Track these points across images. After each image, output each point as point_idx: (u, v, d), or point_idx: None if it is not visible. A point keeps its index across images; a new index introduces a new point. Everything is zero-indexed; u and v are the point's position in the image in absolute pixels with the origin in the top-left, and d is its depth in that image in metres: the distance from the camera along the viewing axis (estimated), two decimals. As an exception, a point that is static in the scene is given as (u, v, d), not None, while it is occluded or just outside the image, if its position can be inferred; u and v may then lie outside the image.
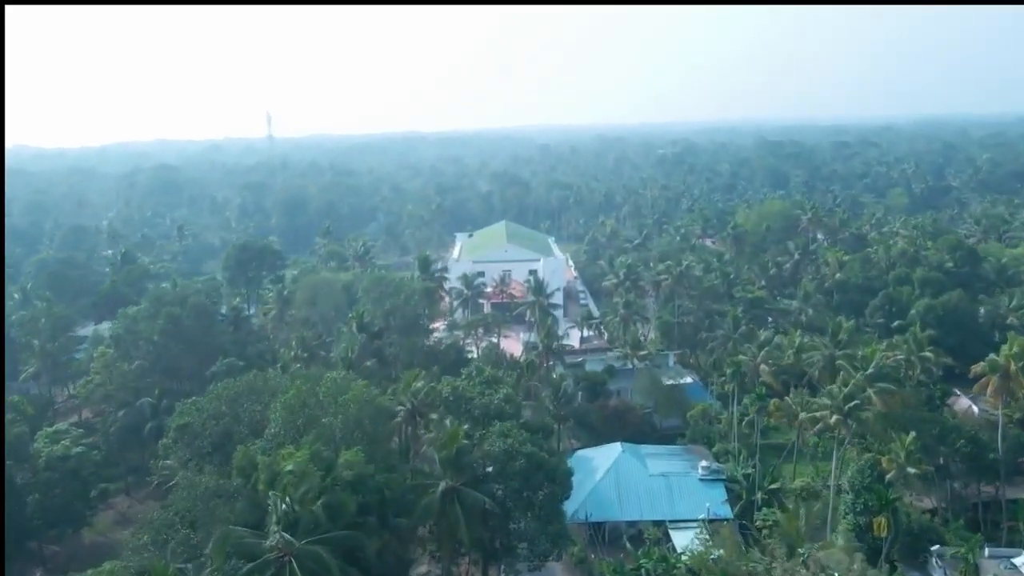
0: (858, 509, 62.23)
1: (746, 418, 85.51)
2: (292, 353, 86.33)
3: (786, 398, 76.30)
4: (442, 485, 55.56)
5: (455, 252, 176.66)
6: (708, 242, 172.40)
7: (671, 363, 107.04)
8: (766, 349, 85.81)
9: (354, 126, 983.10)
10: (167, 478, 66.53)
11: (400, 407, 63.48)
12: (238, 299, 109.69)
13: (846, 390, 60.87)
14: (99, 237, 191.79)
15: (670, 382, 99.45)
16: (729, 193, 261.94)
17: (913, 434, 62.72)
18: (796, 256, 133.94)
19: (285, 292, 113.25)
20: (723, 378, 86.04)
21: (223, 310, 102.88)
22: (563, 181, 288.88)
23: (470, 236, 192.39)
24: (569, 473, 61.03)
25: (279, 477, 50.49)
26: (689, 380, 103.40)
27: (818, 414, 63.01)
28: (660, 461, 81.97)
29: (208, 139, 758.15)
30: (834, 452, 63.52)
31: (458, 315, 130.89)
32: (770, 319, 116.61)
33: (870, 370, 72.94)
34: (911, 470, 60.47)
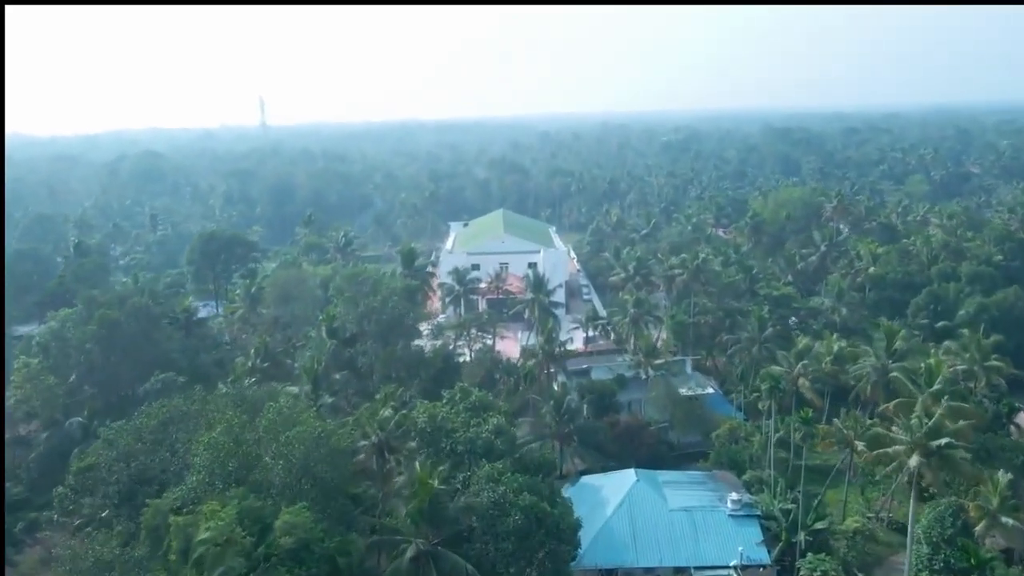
0: (936, 567, 49.95)
1: (777, 434, 73.05)
2: (250, 363, 73.75)
3: (835, 421, 63.59)
4: (412, 548, 43.11)
5: (448, 243, 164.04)
6: (720, 232, 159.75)
7: (688, 369, 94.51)
8: (804, 361, 72.95)
9: (352, 114, 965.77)
10: (90, 517, 54.17)
11: (364, 441, 50.83)
12: (191, 298, 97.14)
13: (929, 423, 48.06)
14: (67, 227, 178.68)
15: (688, 392, 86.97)
16: (739, 180, 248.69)
17: (1008, 475, 50.11)
18: (822, 248, 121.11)
19: (253, 289, 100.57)
20: (756, 394, 73.35)
21: (180, 310, 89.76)
22: (564, 168, 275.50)
23: (465, 226, 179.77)
24: (576, 526, 48.59)
25: (194, 547, 38.10)
26: (710, 391, 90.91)
27: (891, 451, 50.29)
28: (681, 492, 69.45)
29: (204, 127, 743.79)
30: (911, 500, 50.70)
31: (449, 313, 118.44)
32: (793, 319, 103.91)
33: (936, 387, 60.46)
34: (1007, 520, 47.89)
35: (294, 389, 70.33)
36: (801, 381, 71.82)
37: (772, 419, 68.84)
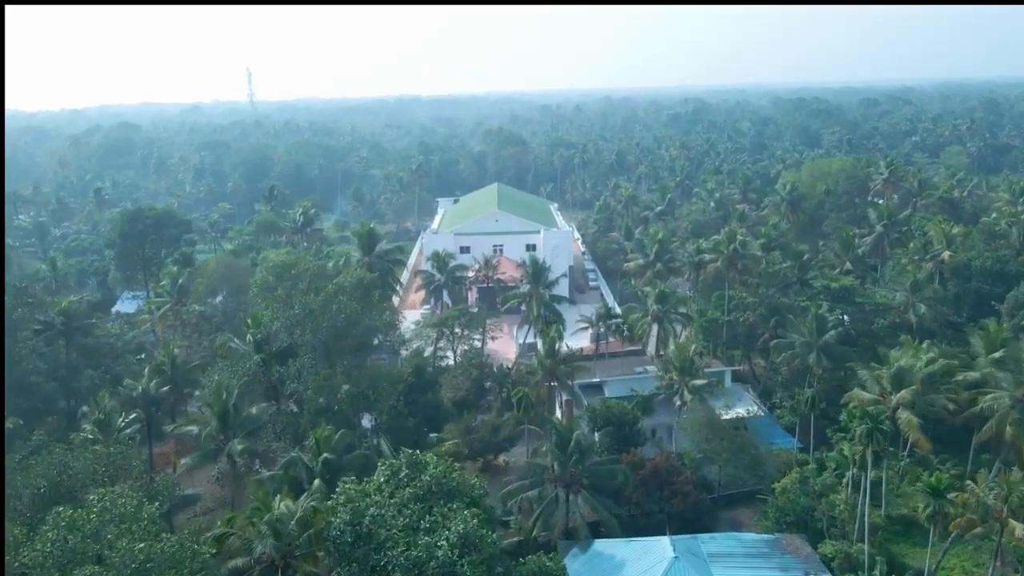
0: None
1: (843, 471, 53.27)
2: (140, 387, 53.58)
3: (971, 485, 43.40)
4: None
5: (435, 222, 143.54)
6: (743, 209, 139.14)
7: (728, 382, 74.37)
8: (913, 387, 52.56)
9: (347, 90, 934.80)
10: None
11: (242, 559, 30.68)
12: (80, 296, 77.00)
13: None
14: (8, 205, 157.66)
15: (731, 415, 66.86)
16: (759, 153, 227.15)
17: None
18: (878, 228, 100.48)
19: (181, 280, 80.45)
20: (842, 433, 53.14)
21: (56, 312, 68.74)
22: (567, 140, 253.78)
23: (455, 202, 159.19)
24: None
25: None
26: (759, 412, 70.94)
27: None
28: (738, 572, 49.71)
29: (196, 103, 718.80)
30: None
31: (431, 307, 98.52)
32: (843, 316, 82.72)
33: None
34: None
35: (192, 429, 50.39)
36: (905, 416, 51.55)
37: (867, 474, 48.59)
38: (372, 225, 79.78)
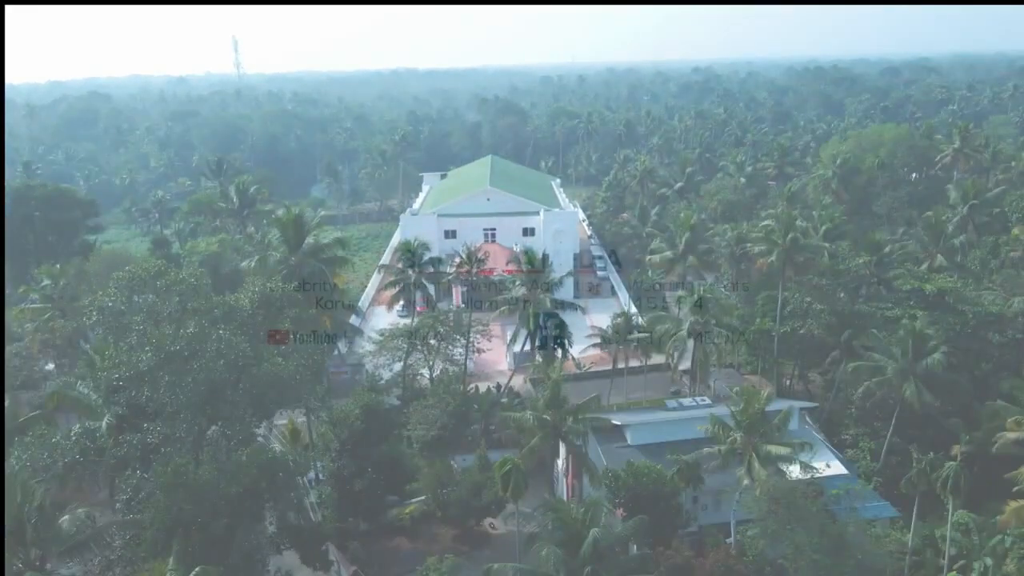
0: None
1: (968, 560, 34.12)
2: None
3: None
4: None
5: (417, 202, 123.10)
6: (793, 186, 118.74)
7: (795, 423, 54.16)
8: None
9: (342, 64, 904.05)
10: None
11: None
12: None
13: None
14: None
15: (802, 475, 46.80)
16: (782, 123, 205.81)
17: None
18: (963, 211, 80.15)
19: (63, 282, 60.61)
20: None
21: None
22: (570, 110, 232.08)
23: (443, 177, 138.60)
24: None
25: None
26: (843, 470, 51.19)
27: None
28: None
29: (187, 75, 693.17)
30: None
31: (394, 313, 78.80)
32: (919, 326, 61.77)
33: None
34: None
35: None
36: None
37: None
38: (298, 211, 59.40)
